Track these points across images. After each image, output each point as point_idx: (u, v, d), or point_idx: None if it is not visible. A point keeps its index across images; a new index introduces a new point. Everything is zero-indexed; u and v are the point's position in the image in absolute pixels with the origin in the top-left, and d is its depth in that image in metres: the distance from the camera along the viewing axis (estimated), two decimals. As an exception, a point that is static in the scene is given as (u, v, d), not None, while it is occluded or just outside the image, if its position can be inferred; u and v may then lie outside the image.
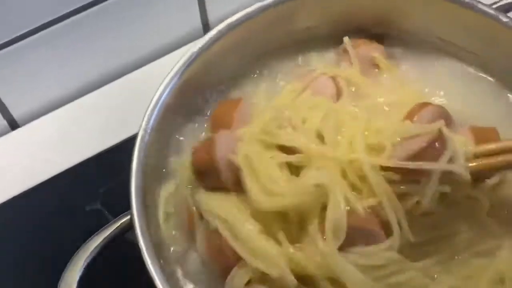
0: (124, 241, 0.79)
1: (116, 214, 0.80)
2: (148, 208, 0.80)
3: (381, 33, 0.95)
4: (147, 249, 0.74)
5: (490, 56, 0.90)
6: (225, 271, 0.76)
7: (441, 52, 0.94)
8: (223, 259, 0.77)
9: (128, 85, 1.13)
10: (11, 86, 1.06)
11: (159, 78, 0.85)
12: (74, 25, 1.03)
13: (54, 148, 1.07)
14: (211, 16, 1.16)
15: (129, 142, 1.01)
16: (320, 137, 0.77)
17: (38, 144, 1.07)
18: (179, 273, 0.82)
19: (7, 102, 1.08)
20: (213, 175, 0.78)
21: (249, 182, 0.74)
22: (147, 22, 1.11)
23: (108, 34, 1.08)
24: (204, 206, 0.78)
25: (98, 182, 1.02)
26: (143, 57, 1.15)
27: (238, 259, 0.74)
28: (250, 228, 0.74)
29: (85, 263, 0.75)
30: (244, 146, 0.77)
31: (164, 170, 0.87)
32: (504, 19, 0.85)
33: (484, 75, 0.92)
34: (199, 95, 0.92)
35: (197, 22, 1.16)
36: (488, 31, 0.87)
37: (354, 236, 0.72)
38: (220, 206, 0.77)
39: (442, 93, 0.90)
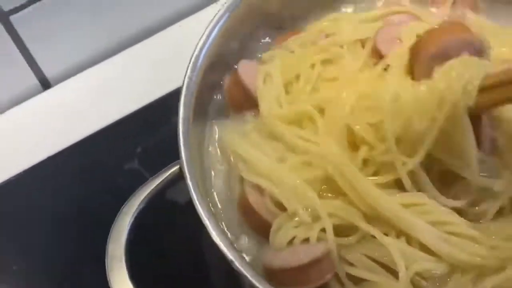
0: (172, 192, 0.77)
1: (154, 172, 0.77)
2: (195, 159, 0.77)
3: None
4: (197, 197, 0.71)
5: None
6: (264, 231, 0.75)
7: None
8: (256, 220, 0.75)
9: (167, 40, 1.10)
10: (43, 43, 1.04)
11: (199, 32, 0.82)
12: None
13: (88, 107, 1.05)
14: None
15: (167, 99, 1.02)
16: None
17: (72, 104, 1.06)
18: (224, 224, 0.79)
19: (39, 60, 1.05)
20: (248, 102, 0.82)
21: None
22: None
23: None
24: (232, 147, 0.79)
25: (135, 141, 1.00)
26: (181, 11, 1.12)
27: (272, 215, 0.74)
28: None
29: (136, 211, 0.73)
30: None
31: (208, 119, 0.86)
32: None
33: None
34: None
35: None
36: None
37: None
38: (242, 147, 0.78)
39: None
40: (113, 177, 0.97)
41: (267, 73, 0.83)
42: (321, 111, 0.78)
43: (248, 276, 0.66)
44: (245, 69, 0.85)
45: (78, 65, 1.09)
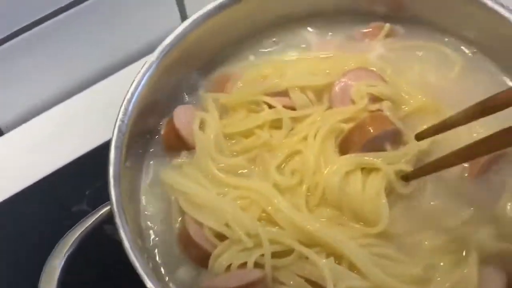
0: (104, 233, 0.79)
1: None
2: (128, 199, 0.80)
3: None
4: (127, 237, 0.75)
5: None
6: (203, 261, 0.79)
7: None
8: (197, 251, 0.79)
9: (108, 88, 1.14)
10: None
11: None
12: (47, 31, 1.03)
13: (37, 153, 1.08)
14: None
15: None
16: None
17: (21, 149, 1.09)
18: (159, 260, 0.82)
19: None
20: (179, 143, 0.86)
21: None
22: (125, 26, 1.13)
23: (84, 38, 1.10)
24: (170, 183, 0.83)
25: (84, 184, 1.03)
26: (124, 59, 1.16)
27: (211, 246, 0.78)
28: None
29: (67, 254, 0.76)
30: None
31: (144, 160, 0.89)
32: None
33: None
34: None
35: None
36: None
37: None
38: (181, 182, 0.82)
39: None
40: (60, 220, 0.99)
41: (203, 120, 0.87)
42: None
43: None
44: (181, 114, 0.89)
45: (31, 111, 1.12)
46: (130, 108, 0.84)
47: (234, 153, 0.86)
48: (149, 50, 0.88)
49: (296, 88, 0.87)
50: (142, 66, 0.86)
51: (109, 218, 0.77)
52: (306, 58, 0.93)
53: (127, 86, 0.85)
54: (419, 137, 0.78)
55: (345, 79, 0.87)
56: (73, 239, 0.76)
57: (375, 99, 0.86)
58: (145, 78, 0.86)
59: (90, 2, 1.04)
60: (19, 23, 1.00)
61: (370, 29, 0.97)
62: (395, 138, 0.84)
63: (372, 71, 0.89)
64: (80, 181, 1.03)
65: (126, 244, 0.73)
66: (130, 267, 0.73)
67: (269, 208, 0.79)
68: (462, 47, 0.95)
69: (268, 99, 0.86)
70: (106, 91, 1.13)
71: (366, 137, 0.81)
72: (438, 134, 0.75)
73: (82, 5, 1.04)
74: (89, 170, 1.03)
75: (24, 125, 1.11)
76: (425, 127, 0.83)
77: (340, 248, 0.75)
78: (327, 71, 0.89)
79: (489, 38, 0.92)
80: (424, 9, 0.95)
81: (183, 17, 1.16)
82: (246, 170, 0.84)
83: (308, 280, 0.75)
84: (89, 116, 1.10)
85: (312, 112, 0.86)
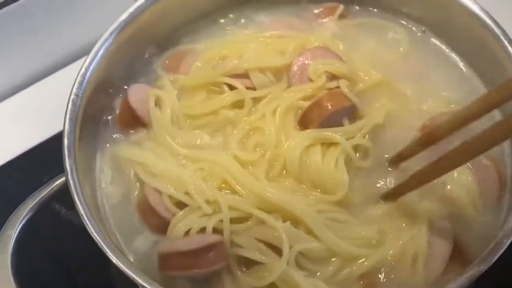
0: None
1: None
2: (84, 173, 0.80)
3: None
4: (82, 207, 0.75)
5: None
6: (162, 229, 0.79)
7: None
8: (156, 219, 0.80)
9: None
10: None
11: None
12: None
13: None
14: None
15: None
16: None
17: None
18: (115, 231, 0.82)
19: None
20: (134, 121, 0.87)
21: None
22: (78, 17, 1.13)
23: (33, 31, 1.09)
24: (127, 156, 0.84)
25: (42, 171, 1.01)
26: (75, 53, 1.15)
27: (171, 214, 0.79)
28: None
29: (21, 224, 0.75)
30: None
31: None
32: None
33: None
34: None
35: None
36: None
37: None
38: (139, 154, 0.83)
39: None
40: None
41: (158, 97, 0.88)
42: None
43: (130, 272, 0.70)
44: (136, 92, 0.89)
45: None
46: (85, 82, 0.84)
47: (196, 130, 0.87)
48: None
49: (256, 69, 0.88)
50: (97, 43, 0.86)
51: (65, 191, 0.76)
52: (261, 37, 0.94)
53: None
54: (437, 137, 0.76)
55: (302, 58, 0.89)
56: (28, 209, 0.75)
57: (332, 77, 0.87)
58: (99, 53, 0.86)
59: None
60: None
61: (322, 9, 0.99)
62: (352, 113, 0.86)
63: (328, 49, 0.91)
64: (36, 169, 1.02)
65: (82, 212, 0.73)
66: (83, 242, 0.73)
67: (229, 178, 0.80)
68: (411, 26, 0.98)
69: (231, 81, 0.87)
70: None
71: (325, 114, 0.83)
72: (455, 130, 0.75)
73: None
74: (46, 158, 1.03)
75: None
76: (378, 103, 0.88)
77: (296, 213, 0.76)
78: (284, 50, 0.90)
79: (438, 18, 0.95)
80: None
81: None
82: (206, 143, 0.86)
83: (266, 243, 0.76)
84: (40, 109, 1.10)
85: (271, 91, 0.87)
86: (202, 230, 0.77)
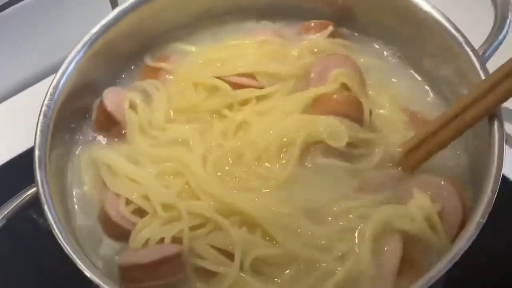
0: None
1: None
2: (56, 181, 0.83)
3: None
4: (52, 216, 0.76)
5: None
6: (123, 236, 0.81)
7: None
8: (117, 230, 0.82)
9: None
10: None
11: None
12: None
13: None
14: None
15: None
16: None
17: None
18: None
19: None
20: (110, 125, 0.89)
21: None
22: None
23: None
24: (94, 156, 0.87)
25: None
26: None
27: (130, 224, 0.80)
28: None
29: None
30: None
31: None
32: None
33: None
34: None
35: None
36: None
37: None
38: (106, 154, 0.86)
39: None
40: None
41: (132, 101, 0.90)
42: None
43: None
44: (111, 96, 0.91)
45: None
46: (56, 94, 0.86)
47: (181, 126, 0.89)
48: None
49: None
50: (73, 49, 0.89)
51: (36, 200, 0.78)
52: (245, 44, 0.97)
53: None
54: None
55: (326, 62, 0.91)
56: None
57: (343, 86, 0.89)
58: (71, 65, 0.88)
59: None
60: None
61: (312, 24, 1.00)
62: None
63: (352, 61, 0.92)
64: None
65: (52, 222, 0.75)
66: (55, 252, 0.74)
67: (191, 180, 0.81)
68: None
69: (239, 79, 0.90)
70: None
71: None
72: None
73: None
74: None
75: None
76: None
77: (254, 216, 0.77)
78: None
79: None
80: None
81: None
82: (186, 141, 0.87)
83: (223, 252, 0.76)
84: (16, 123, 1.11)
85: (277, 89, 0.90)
86: (162, 239, 0.78)
